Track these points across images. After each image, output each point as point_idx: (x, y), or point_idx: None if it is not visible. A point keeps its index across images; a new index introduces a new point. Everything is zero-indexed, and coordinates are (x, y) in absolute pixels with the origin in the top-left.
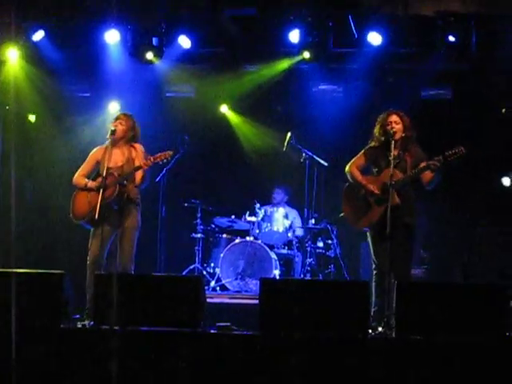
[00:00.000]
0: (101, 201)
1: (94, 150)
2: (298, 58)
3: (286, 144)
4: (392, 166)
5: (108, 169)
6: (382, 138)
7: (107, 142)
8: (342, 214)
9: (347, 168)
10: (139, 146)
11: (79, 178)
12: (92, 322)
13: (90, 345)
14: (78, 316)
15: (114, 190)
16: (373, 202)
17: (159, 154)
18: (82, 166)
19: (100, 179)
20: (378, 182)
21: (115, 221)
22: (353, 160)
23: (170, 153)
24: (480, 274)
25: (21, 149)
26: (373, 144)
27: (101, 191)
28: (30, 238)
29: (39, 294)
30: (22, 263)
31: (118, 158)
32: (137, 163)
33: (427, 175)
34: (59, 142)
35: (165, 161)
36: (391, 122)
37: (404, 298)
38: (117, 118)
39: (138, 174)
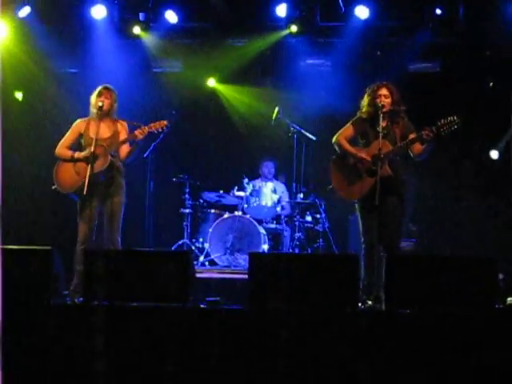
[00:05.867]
0: (90, 171)
1: (76, 122)
2: (285, 32)
3: (273, 118)
4: (380, 137)
5: (96, 140)
6: (371, 110)
7: (91, 116)
8: (330, 187)
9: (335, 138)
10: (124, 122)
11: (63, 149)
12: (81, 298)
13: (79, 320)
14: (67, 292)
15: (106, 161)
16: (364, 173)
17: (154, 123)
18: (65, 138)
19: (88, 150)
20: (368, 154)
21: (102, 194)
22: (341, 131)
23: (165, 122)
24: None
25: (7, 126)
26: (361, 116)
27: (90, 163)
28: (17, 215)
29: (28, 270)
30: (11, 240)
31: (104, 130)
32: (122, 137)
33: (417, 147)
34: (46, 118)
35: (160, 130)
36: (381, 96)
37: (393, 271)
38: (100, 94)
39: (124, 149)
